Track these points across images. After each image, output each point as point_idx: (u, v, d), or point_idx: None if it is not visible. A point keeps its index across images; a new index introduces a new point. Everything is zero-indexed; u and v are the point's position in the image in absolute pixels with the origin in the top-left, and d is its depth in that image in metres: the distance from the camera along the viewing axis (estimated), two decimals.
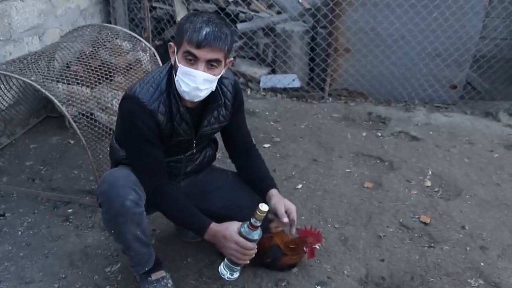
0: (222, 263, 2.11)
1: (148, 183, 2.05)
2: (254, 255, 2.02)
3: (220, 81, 2.05)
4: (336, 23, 4.60)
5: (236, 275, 2.10)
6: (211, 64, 1.88)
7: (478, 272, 2.51)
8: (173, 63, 1.97)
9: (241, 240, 1.96)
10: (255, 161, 2.38)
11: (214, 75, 1.92)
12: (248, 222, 1.95)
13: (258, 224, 1.93)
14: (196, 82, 1.89)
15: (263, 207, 1.87)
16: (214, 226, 2.04)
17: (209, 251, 2.55)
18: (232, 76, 2.20)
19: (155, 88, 1.99)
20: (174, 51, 1.93)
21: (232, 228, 1.99)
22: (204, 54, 1.84)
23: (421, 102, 4.78)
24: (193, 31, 1.81)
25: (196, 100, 2.00)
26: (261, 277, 2.41)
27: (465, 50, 4.54)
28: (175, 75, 1.94)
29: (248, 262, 2.03)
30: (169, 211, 2.14)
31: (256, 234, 1.97)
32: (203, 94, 1.96)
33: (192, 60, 1.86)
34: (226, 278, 2.09)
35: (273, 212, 2.17)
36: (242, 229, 1.97)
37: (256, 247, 2.01)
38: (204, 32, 1.81)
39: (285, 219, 2.13)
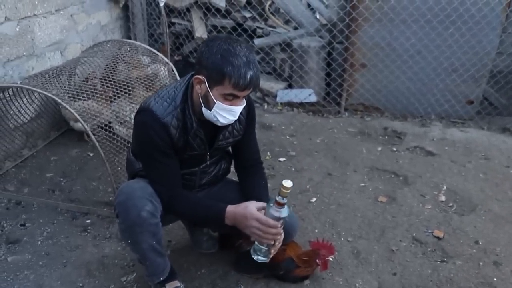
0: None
1: (163, 192, 2.09)
2: (280, 234, 2.04)
3: None
4: (352, 38, 4.64)
5: (261, 256, 2.09)
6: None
7: None
8: (201, 95, 1.99)
9: (262, 217, 1.97)
10: (256, 179, 2.38)
11: (245, 101, 2.03)
12: (273, 200, 1.96)
13: (284, 201, 1.94)
14: (236, 115, 2.02)
15: (287, 183, 1.89)
16: (231, 208, 2.05)
17: (223, 262, 2.59)
18: None
19: (169, 103, 2.04)
20: (205, 84, 1.94)
21: (251, 206, 2.02)
22: (246, 93, 1.94)
23: (437, 117, 4.77)
24: (239, 77, 1.85)
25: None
26: None
27: (482, 66, 4.54)
28: (209, 108, 1.99)
29: (272, 242, 2.04)
30: (185, 210, 2.16)
31: (285, 211, 1.97)
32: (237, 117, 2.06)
33: (232, 98, 1.94)
34: (256, 259, 2.10)
35: None
36: (270, 211, 1.97)
37: (282, 226, 2.01)
38: (249, 77, 1.86)
39: None
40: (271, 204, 1.97)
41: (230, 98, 1.93)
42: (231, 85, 1.87)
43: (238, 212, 2.03)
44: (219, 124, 2.04)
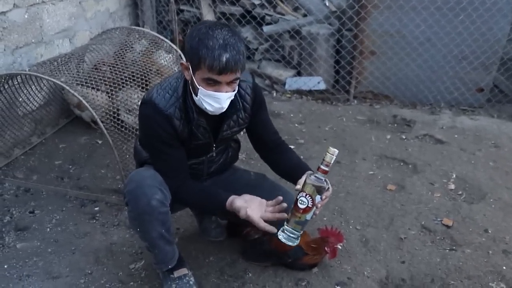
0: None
1: (171, 183, 2.10)
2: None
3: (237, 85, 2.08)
4: (361, 25, 4.60)
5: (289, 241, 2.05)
6: (231, 82, 1.92)
7: (500, 276, 2.49)
8: (189, 80, 1.99)
9: (262, 224, 2.00)
10: (287, 153, 2.35)
11: (234, 90, 1.97)
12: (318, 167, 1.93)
13: (328, 169, 1.91)
14: (221, 103, 1.95)
15: (331, 150, 1.88)
16: (230, 201, 2.06)
17: (231, 250, 2.60)
18: (250, 78, 2.21)
19: (171, 94, 2.03)
20: (189, 70, 1.94)
21: (252, 212, 2.01)
22: (226, 78, 1.87)
23: (447, 105, 4.74)
24: (213, 59, 1.81)
25: (219, 113, 2.04)
26: (281, 277, 2.43)
27: (492, 53, 4.49)
28: (195, 95, 1.97)
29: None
30: (189, 198, 2.17)
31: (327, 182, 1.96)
32: (226, 107, 2.01)
33: (213, 84, 1.90)
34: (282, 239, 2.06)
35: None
36: (312, 179, 1.95)
37: (326, 199, 1.99)
38: (224, 60, 1.81)
39: (298, 186, 2.02)
40: (313, 175, 1.95)
41: (211, 83, 1.89)
42: (206, 68, 1.84)
43: (238, 209, 2.03)
44: (209, 113, 2.01)
